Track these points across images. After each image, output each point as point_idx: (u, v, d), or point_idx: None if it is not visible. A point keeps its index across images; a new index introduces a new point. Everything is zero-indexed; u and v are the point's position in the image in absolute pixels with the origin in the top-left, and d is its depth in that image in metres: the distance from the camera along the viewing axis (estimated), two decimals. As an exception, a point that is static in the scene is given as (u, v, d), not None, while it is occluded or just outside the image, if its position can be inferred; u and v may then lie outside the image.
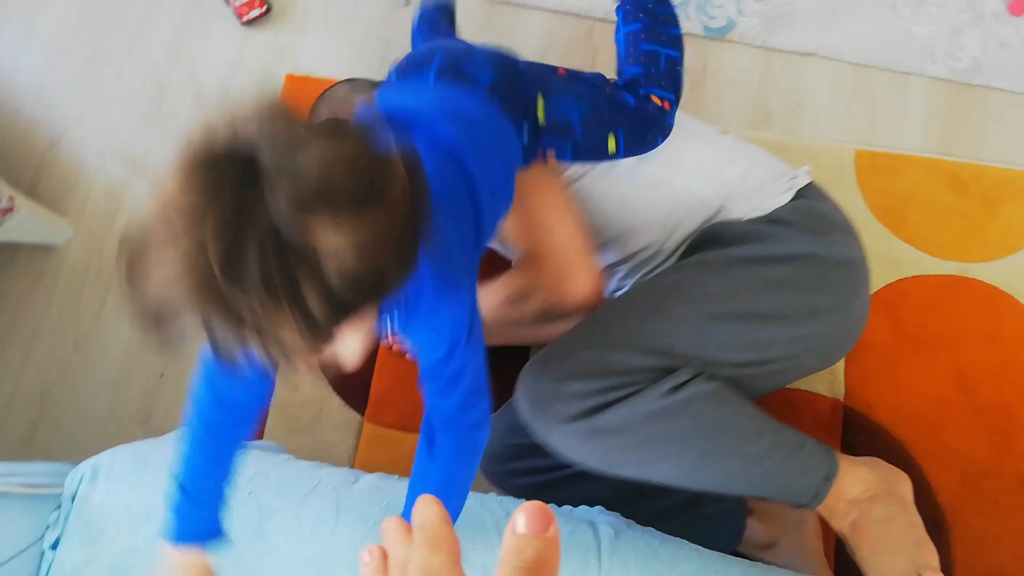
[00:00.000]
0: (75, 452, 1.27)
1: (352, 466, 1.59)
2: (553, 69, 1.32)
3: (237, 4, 1.96)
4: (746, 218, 1.30)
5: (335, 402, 1.67)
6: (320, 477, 1.13)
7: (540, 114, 1.22)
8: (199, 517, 0.93)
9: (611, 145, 1.29)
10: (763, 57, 1.84)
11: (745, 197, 1.31)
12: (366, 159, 0.69)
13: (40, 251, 1.83)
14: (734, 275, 1.21)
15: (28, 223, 1.74)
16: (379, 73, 1.65)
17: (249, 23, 1.96)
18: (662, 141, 1.33)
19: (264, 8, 1.96)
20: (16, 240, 1.77)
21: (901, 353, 1.60)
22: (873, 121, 1.78)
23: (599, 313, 1.23)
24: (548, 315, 1.57)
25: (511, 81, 1.19)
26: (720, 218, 1.32)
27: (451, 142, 0.98)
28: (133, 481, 1.10)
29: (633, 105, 1.32)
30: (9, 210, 1.67)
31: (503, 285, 1.36)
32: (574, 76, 1.32)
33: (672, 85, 1.37)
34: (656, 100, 1.34)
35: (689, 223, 1.33)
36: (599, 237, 1.37)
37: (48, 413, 1.74)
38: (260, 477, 1.09)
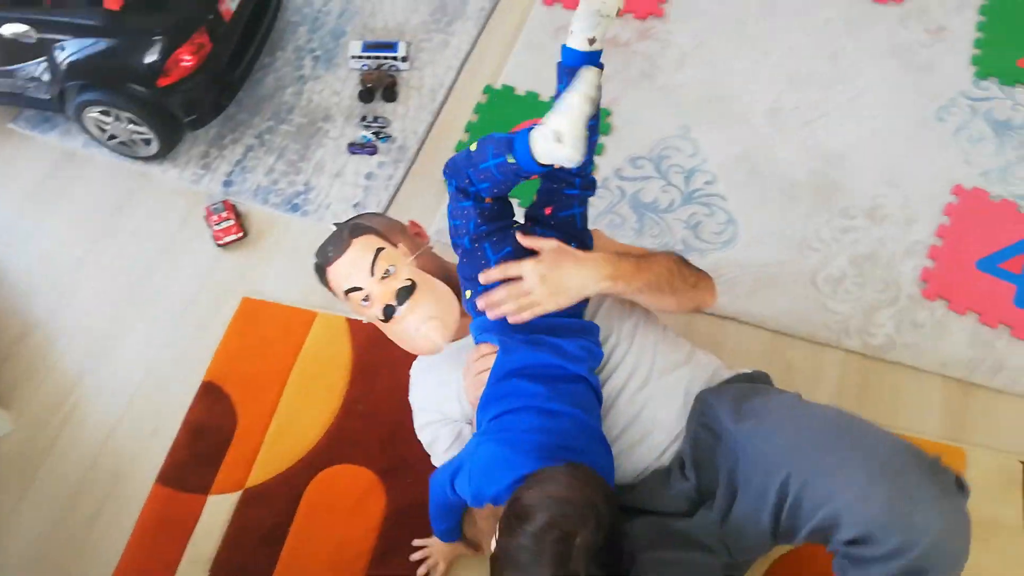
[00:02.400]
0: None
1: None
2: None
3: (217, 228, 2.04)
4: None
5: None
6: None
7: None
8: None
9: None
10: (685, 315, 1.84)
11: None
12: None
13: (-26, 436, 1.78)
14: None
15: (-30, 410, 1.71)
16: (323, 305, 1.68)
17: (224, 245, 2.03)
18: None
19: (240, 235, 2.03)
20: (-47, 425, 1.73)
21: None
22: (785, 384, 1.74)
23: None
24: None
25: None
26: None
27: None
28: None
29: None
30: (-46, 396, 1.65)
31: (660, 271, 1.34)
32: None
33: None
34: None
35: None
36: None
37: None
38: None
